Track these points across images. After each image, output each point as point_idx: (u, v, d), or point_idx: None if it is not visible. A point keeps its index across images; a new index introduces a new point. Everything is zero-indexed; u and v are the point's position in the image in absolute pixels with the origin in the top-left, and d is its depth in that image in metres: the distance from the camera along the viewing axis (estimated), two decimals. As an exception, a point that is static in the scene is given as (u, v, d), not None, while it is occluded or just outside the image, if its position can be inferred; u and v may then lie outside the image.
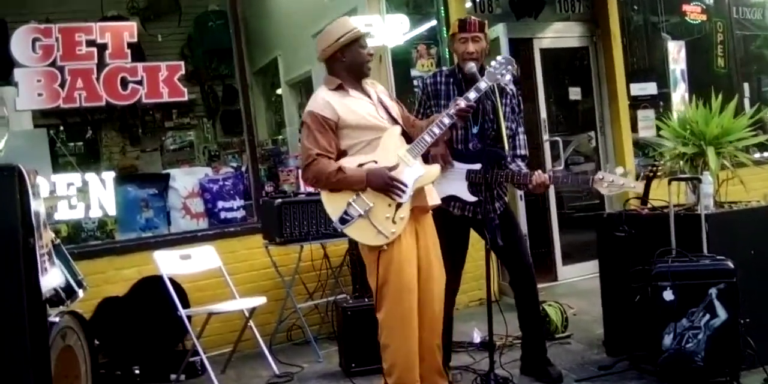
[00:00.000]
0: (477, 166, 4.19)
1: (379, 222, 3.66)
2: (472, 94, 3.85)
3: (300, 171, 3.93)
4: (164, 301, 4.85)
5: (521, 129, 4.48)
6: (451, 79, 4.40)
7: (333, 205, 3.72)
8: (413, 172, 3.73)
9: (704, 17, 8.57)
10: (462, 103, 3.79)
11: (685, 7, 8.48)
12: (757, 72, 9.41)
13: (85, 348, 3.86)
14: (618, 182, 4.05)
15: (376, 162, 3.73)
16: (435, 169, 3.86)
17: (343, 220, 3.69)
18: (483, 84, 3.89)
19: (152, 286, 5.06)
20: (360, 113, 3.76)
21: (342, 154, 3.77)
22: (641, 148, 7.75)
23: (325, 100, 3.77)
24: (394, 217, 3.66)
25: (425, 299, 3.80)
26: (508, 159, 4.32)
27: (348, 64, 3.84)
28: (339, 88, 3.82)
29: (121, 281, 5.29)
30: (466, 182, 4.25)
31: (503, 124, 4.24)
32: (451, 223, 4.18)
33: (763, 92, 9.16)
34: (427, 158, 3.95)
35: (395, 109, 3.96)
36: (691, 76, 8.16)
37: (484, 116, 4.21)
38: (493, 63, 3.97)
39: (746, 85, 8.78)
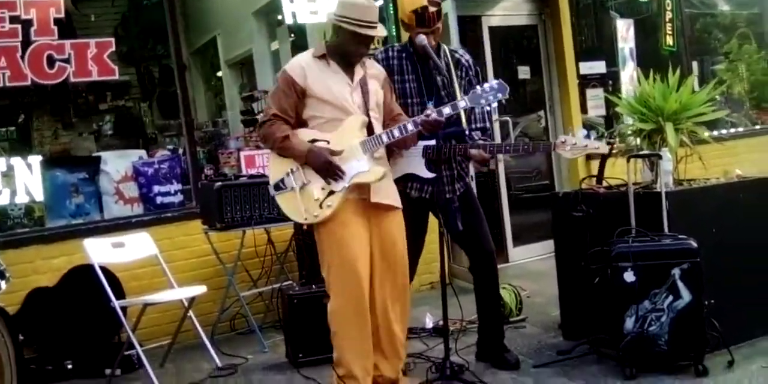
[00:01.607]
0: (433, 142, 3.97)
1: (307, 201, 3.64)
2: (446, 109, 3.70)
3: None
4: (97, 291, 4.59)
5: None
6: (404, 54, 4.19)
7: (275, 169, 3.75)
8: (357, 166, 3.63)
9: (653, -5, 8.50)
10: (433, 115, 3.64)
11: (634, -15, 8.41)
12: (705, 51, 9.38)
13: (8, 343, 3.58)
14: (581, 144, 3.89)
15: (328, 142, 3.65)
16: (380, 170, 3.68)
17: (277, 187, 3.71)
18: (462, 103, 3.73)
19: (84, 275, 4.82)
20: (329, 88, 3.67)
21: (303, 122, 3.72)
22: (589, 128, 7.66)
23: (301, 64, 3.72)
24: (322, 202, 3.62)
25: (381, 290, 3.71)
26: (468, 131, 4.13)
27: (338, 44, 3.74)
28: (322, 57, 3.73)
29: (51, 271, 5.05)
30: (423, 159, 4.06)
31: (459, 97, 4.02)
32: (410, 206, 3.98)
33: (712, 71, 9.13)
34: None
35: (378, 96, 3.81)
36: (640, 55, 8.11)
37: (439, 91, 4.04)
38: (485, 85, 3.74)
39: (695, 64, 8.75)
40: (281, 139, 3.63)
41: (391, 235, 3.76)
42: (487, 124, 4.31)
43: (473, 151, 4.04)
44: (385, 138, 3.67)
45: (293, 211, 3.69)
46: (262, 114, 3.83)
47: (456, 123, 4.07)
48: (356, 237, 3.65)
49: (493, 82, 3.76)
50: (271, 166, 3.79)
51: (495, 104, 3.89)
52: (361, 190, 3.67)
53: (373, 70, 3.84)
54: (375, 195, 3.70)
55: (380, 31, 3.70)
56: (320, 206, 3.61)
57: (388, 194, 3.77)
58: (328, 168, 3.58)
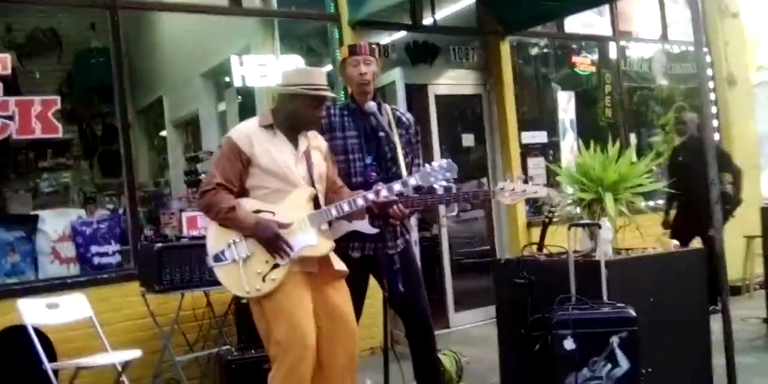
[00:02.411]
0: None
1: (249, 274, 3.50)
2: (396, 186, 3.68)
3: (198, 195, 3.73)
4: (29, 353, 4.47)
5: (417, 161, 4.30)
6: (345, 112, 4.21)
7: (215, 239, 3.59)
8: (304, 239, 3.56)
9: (593, 69, 8.81)
10: (384, 192, 3.63)
11: (575, 59, 8.72)
12: (642, 124, 9.67)
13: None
14: (519, 189, 3.88)
15: (273, 214, 3.57)
16: (328, 244, 3.64)
17: (217, 258, 3.56)
18: (412, 180, 3.70)
19: (15, 336, 4.66)
20: (275, 158, 3.59)
21: (245, 191, 3.62)
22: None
23: (247, 132, 3.64)
24: (265, 276, 3.50)
25: (331, 361, 3.61)
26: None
27: (291, 113, 3.67)
28: (269, 127, 3.66)
29: (-19, 331, 4.84)
30: (365, 215, 4.03)
31: (400, 154, 4.05)
32: (350, 268, 3.92)
33: (649, 142, 9.39)
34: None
35: (321, 168, 3.77)
36: (580, 126, 8.32)
37: (378, 148, 4.05)
38: (434, 164, 3.73)
39: (632, 136, 9.00)
40: (227, 209, 3.50)
41: (340, 304, 3.68)
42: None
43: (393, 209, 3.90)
44: (334, 212, 3.61)
45: (234, 285, 3.53)
46: (203, 181, 3.70)
47: (397, 176, 4.07)
48: (306, 308, 3.53)
49: (442, 161, 3.75)
50: (211, 236, 3.61)
51: (443, 183, 3.86)
52: (306, 262, 3.59)
53: (316, 141, 3.81)
54: (336, 263, 3.67)
55: (331, 93, 3.73)
56: (263, 280, 3.48)
57: (338, 260, 3.72)
58: (276, 242, 3.49)
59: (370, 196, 3.63)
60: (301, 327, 3.47)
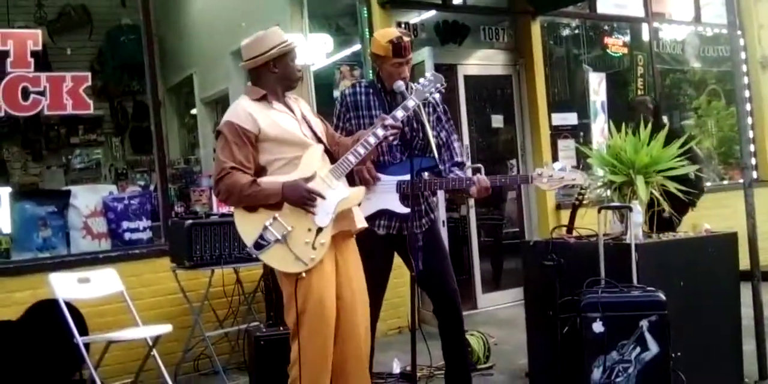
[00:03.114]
0: (407, 177, 3.93)
1: (298, 247, 3.40)
2: (399, 113, 3.68)
3: (212, 185, 3.64)
4: (60, 327, 4.49)
5: (454, 136, 4.32)
6: (371, 90, 4.22)
7: (248, 227, 3.45)
8: (336, 194, 3.50)
9: (625, 50, 8.69)
10: (389, 120, 3.60)
11: (607, 40, 8.61)
12: (674, 107, 9.56)
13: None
14: (558, 176, 3.91)
15: None
16: (360, 190, 3.64)
17: (259, 245, 3.41)
18: (411, 102, 3.73)
19: (48, 310, 4.70)
20: (283, 127, 3.53)
21: (261, 170, 3.52)
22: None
23: (246, 110, 3.52)
24: (314, 243, 3.41)
25: (348, 332, 3.56)
26: (445, 168, 4.15)
27: (279, 77, 3.62)
28: (262, 98, 3.59)
29: (14, 305, 4.94)
30: (397, 194, 4.05)
31: (430, 133, 4.05)
32: (376, 244, 3.95)
33: (681, 126, 9.29)
34: (351, 175, 3.72)
35: (319, 126, 3.74)
36: (611, 108, 8.22)
37: (405, 126, 4.02)
38: (422, 80, 3.82)
39: (665, 119, 8.89)
40: (249, 184, 3.40)
41: (356, 267, 3.65)
42: (463, 159, 4.31)
43: (474, 187, 3.97)
44: (352, 158, 3.55)
45: (288, 264, 3.41)
46: (213, 173, 3.58)
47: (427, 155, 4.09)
48: (332, 286, 3.50)
49: (427, 74, 3.86)
50: (241, 227, 3.47)
51: (437, 95, 3.98)
52: (342, 221, 3.55)
53: (301, 103, 3.78)
54: (359, 221, 3.63)
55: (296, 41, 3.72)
56: (313, 247, 3.40)
57: (360, 217, 3.69)
58: (309, 195, 3.39)
59: (379, 131, 3.59)
60: (325, 307, 3.45)
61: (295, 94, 3.82)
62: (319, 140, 3.64)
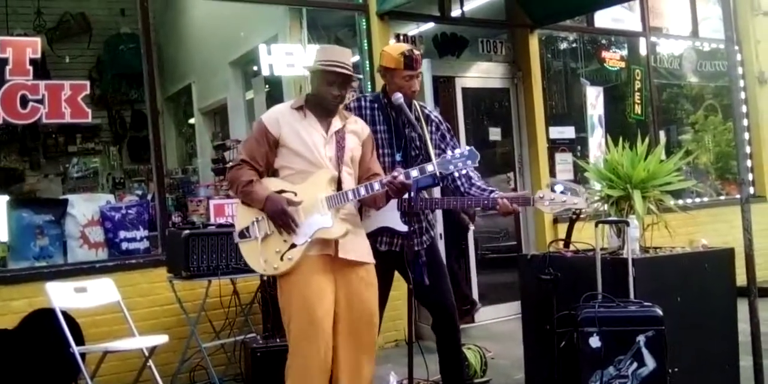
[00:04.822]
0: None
1: (269, 252, 3.59)
2: (414, 173, 3.62)
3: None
4: (56, 336, 4.49)
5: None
6: (376, 105, 4.22)
7: (242, 216, 3.71)
8: (321, 221, 3.58)
9: (623, 64, 8.73)
10: (400, 178, 3.58)
11: (605, 54, 8.64)
12: (671, 121, 9.60)
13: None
14: (559, 199, 3.89)
15: (295, 194, 3.61)
16: (342, 228, 3.61)
17: (242, 235, 3.67)
18: (430, 167, 3.63)
19: (44, 319, 4.69)
20: (303, 140, 3.65)
21: (275, 171, 3.72)
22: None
23: (277, 115, 3.74)
24: (283, 254, 3.56)
25: (344, 349, 3.61)
26: (463, 183, 4.13)
27: (314, 91, 3.76)
28: (300, 108, 3.72)
29: (10, 313, 4.94)
30: (398, 212, 4.05)
31: (432, 152, 4.04)
32: (377, 261, 3.94)
33: (678, 141, 9.31)
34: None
35: (355, 152, 3.77)
36: (609, 122, 8.25)
37: (407, 144, 4.06)
38: (456, 152, 3.67)
39: (662, 133, 8.93)
40: (245, 183, 3.61)
41: (358, 292, 3.66)
42: (489, 185, 4.22)
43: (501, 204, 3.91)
44: (350, 195, 3.60)
45: (254, 261, 3.64)
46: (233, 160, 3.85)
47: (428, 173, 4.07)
48: (320, 293, 3.55)
49: (464, 148, 3.69)
50: (239, 213, 3.74)
51: (464, 171, 3.90)
52: (324, 245, 3.60)
53: (354, 126, 3.81)
54: (342, 251, 3.63)
55: (348, 71, 3.66)
56: (281, 258, 3.55)
57: (355, 249, 3.69)
58: (282, 218, 3.53)
59: (387, 180, 3.61)
60: (317, 317, 3.50)
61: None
62: (342, 164, 3.68)
